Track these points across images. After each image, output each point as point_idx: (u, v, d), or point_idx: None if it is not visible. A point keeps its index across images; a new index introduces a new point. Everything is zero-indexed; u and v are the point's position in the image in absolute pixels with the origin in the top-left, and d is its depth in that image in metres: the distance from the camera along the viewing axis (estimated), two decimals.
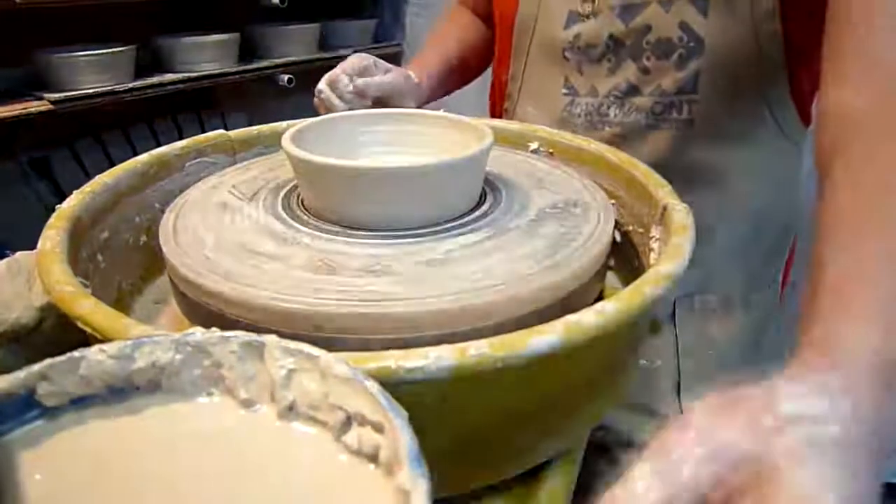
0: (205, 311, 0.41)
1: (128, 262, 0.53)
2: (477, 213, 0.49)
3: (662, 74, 0.62)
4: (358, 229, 0.46)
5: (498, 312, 0.38)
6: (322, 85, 0.69)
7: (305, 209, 0.49)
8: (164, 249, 0.45)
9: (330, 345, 0.36)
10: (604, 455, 0.76)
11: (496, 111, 0.82)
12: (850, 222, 0.35)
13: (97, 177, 0.52)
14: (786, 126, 0.64)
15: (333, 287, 0.39)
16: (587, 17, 0.65)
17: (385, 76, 0.71)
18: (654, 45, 0.61)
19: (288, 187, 0.53)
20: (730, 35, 0.59)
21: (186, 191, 0.54)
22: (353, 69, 0.70)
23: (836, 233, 0.35)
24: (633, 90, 0.64)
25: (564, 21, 0.67)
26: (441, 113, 0.57)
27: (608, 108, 0.66)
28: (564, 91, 0.69)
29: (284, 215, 0.48)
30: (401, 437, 0.23)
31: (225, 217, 0.48)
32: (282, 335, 0.28)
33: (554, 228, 0.47)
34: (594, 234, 0.46)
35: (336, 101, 0.68)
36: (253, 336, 0.28)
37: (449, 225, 0.47)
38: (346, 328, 0.37)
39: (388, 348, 0.31)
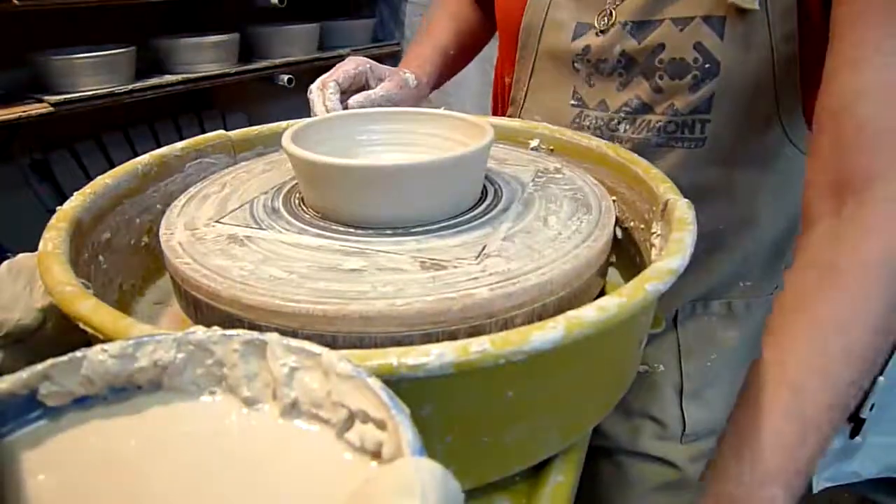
0: (208, 311, 0.41)
1: (129, 263, 0.53)
2: (477, 210, 0.49)
3: (676, 94, 0.61)
4: (358, 227, 0.46)
5: (498, 310, 0.38)
6: (314, 90, 0.66)
7: (305, 208, 0.49)
8: (166, 250, 0.45)
9: (341, 344, 0.37)
10: (607, 461, 0.76)
11: (498, 111, 0.82)
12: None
13: (98, 178, 0.52)
14: (794, 136, 0.63)
15: (335, 287, 0.39)
16: (602, 31, 0.63)
17: (380, 90, 0.68)
18: (668, 65, 0.60)
19: (288, 187, 0.53)
20: (746, 57, 0.57)
21: (187, 190, 0.54)
22: (347, 78, 0.67)
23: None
24: (645, 108, 0.63)
25: (572, 33, 0.65)
26: (441, 111, 0.57)
27: (619, 123, 0.65)
28: (573, 102, 0.68)
29: (286, 215, 0.48)
30: (403, 434, 0.23)
31: (226, 217, 0.48)
32: (283, 333, 0.28)
33: (555, 225, 0.47)
34: (595, 230, 0.46)
35: (319, 110, 0.65)
36: (255, 334, 0.28)
37: (450, 222, 0.47)
38: (351, 328, 0.37)
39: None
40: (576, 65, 0.66)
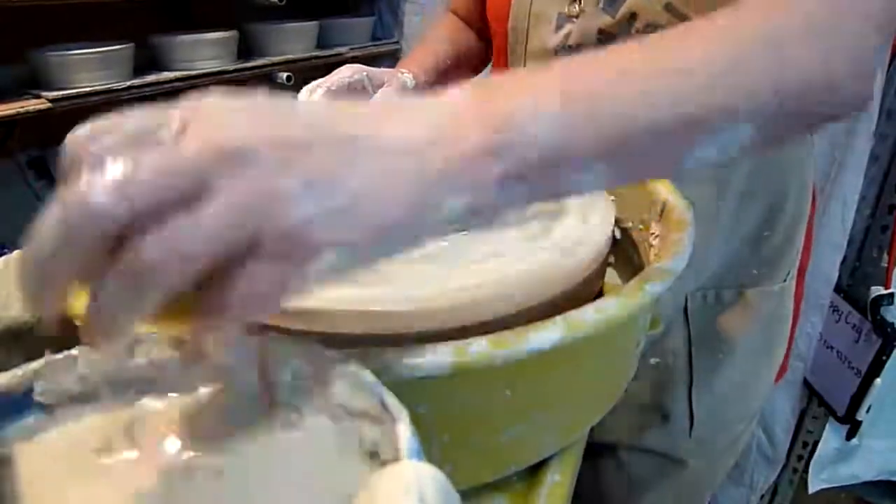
0: None
1: None
2: None
3: None
4: None
5: (496, 309, 0.38)
6: (303, 93, 0.65)
7: None
8: None
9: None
10: (609, 457, 0.76)
11: None
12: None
13: None
14: None
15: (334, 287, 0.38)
16: (575, 17, 0.63)
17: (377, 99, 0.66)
18: (643, 33, 0.59)
19: None
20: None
21: None
22: (342, 85, 0.66)
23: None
24: None
25: (555, 25, 0.65)
26: None
27: None
28: None
29: None
30: (401, 433, 0.23)
31: None
32: (281, 332, 0.28)
33: (553, 226, 0.46)
34: (594, 231, 0.46)
35: None
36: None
37: None
38: (348, 328, 0.37)
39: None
40: (559, 54, 0.65)
